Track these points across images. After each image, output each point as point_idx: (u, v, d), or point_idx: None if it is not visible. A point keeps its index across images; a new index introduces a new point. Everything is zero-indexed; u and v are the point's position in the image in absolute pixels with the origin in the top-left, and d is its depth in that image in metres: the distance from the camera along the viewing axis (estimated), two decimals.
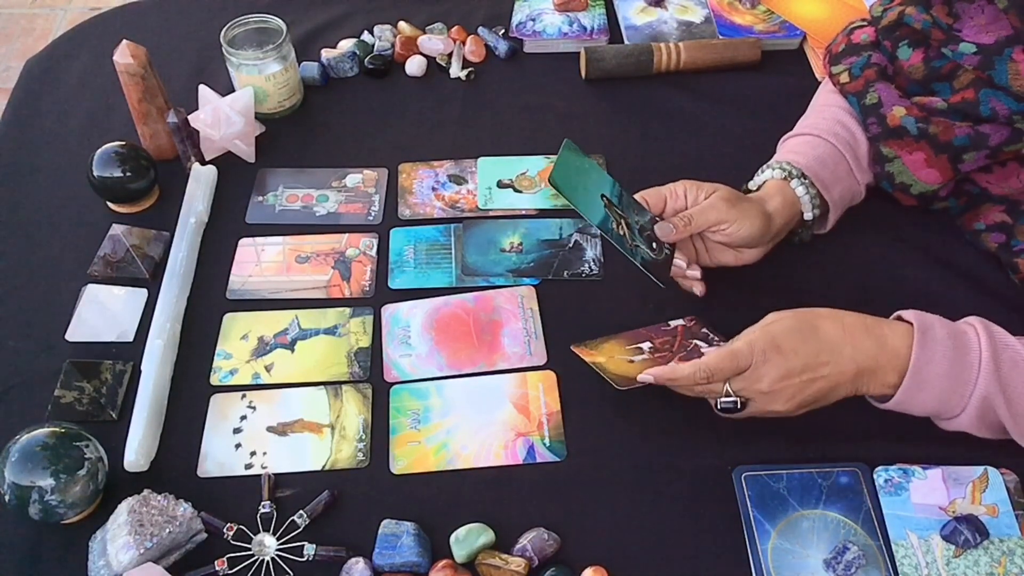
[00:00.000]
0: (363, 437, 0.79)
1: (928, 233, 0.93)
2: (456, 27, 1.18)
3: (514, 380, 0.83)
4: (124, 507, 0.70)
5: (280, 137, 1.06)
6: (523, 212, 0.97)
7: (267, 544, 0.72)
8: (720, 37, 1.15)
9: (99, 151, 0.94)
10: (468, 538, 0.71)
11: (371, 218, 0.97)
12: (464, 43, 1.16)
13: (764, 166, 0.89)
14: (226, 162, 1.02)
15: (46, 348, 0.85)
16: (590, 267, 0.92)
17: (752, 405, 0.74)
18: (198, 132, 1.00)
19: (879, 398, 0.75)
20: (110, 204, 0.97)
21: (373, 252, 0.94)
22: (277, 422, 0.81)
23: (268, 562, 0.71)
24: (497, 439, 0.79)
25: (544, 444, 0.78)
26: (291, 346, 0.86)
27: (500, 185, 1.00)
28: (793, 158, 0.88)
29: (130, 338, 0.86)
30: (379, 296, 0.90)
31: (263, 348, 0.86)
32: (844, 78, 0.92)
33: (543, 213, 0.97)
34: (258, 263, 0.93)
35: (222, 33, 1.03)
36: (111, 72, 0.97)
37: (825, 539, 0.71)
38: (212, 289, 0.91)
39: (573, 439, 0.79)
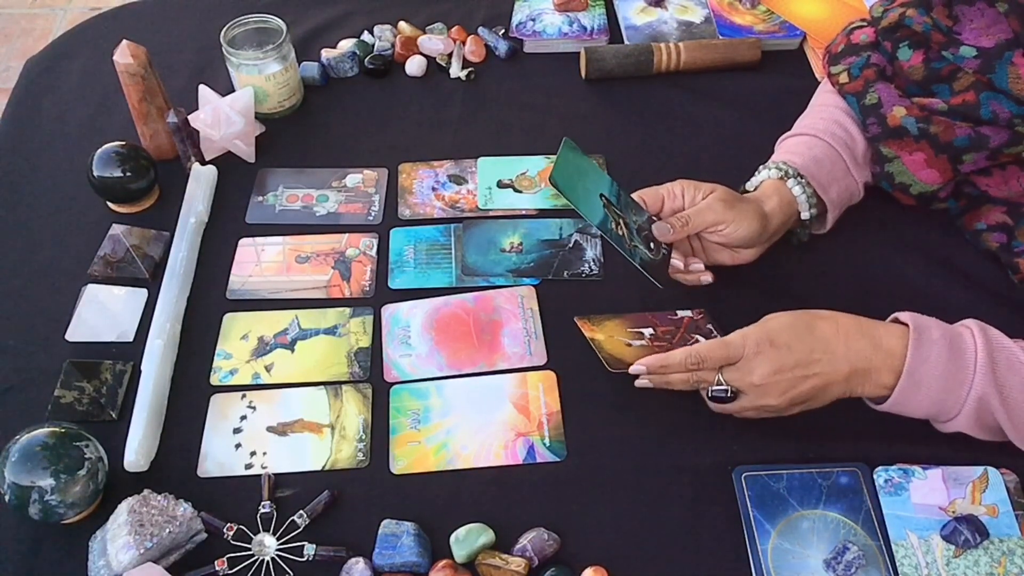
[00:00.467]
0: (363, 437, 0.79)
1: (928, 233, 0.93)
2: (456, 27, 1.18)
3: (514, 380, 0.83)
4: (124, 507, 0.70)
5: (280, 137, 1.06)
6: (523, 212, 0.97)
7: (267, 544, 0.72)
8: (720, 37, 1.15)
9: (99, 151, 0.94)
10: (468, 538, 0.71)
11: (371, 218, 0.98)
12: (464, 43, 1.16)
13: (761, 166, 0.90)
14: (226, 162, 1.02)
15: (46, 348, 0.85)
16: (590, 267, 0.92)
17: (744, 398, 0.74)
18: (198, 132, 1.00)
19: (875, 399, 0.75)
20: (110, 204, 0.97)
21: (373, 252, 0.94)
22: (277, 422, 0.81)
23: (268, 562, 0.71)
24: (497, 439, 0.79)
25: (544, 444, 0.78)
26: (291, 346, 0.86)
27: (500, 185, 1.00)
28: (789, 158, 0.88)
29: (130, 338, 0.86)
30: (379, 296, 0.90)
31: (263, 348, 0.86)
32: (843, 78, 0.92)
33: (543, 213, 0.97)
34: (258, 263, 0.93)
35: (222, 33, 1.03)
36: (111, 72, 0.97)
37: (825, 539, 0.71)
38: (212, 289, 0.91)
39: (573, 439, 0.79)
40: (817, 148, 0.89)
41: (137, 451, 0.75)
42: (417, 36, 1.16)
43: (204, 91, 1.03)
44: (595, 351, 0.79)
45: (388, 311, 0.89)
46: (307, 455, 0.78)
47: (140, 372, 0.82)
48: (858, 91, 0.90)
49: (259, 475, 0.76)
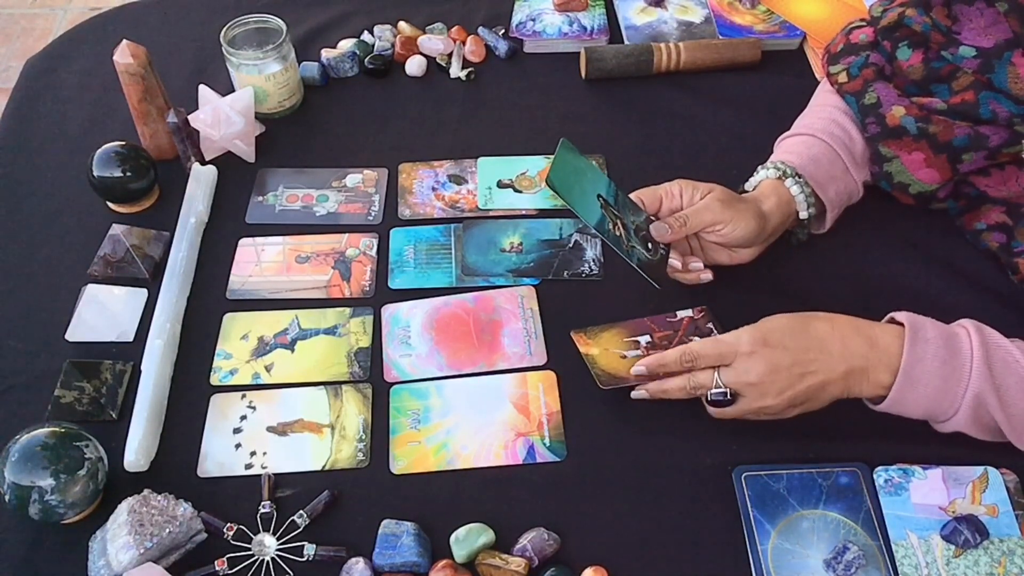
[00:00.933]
0: (363, 437, 0.79)
1: (928, 233, 0.93)
2: (456, 27, 1.18)
3: (514, 380, 0.83)
4: (124, 507, 0.70)
5: (280, 137, 1.06)
6: (523, 212, 0.97)
7: (267, 544, 0.72)
8: (720, 37, 1.15)
9: (99, 151, 0.94)
10: (468, 538, 0.71)
11: (371, 218, 0.98)
12: (464, 43, 1.16)
13: (760, 166, 0.90)
14: (226, 162, 1.02)
15: (46, 348, 0.85)
16: (590, 267, 0.92)
17: (743, 401, 0.74)
18: (198, 132, 1.00)
19: (873, 399, 0.75)
20: (110, 204, 0.97)
21: (373, 252, 0.94)
22: (277, 422, 0.81)
23: (268, 562, 0.71)
24: (497, 439, 0.79)
25: (544, 444, 0.78)
26: (291, 346, 0.86)
27: (500, 185, 1.00)
28: (787, 158, 0.89)
29: (130, 338, 0.86)
30: (379, 296, 0.90)
31: (263, 348, 0.86)
32: (842, 78, 0.92)
33: (543, 213, 0.97)
34: (258, 263, 0.93)
35: (222, 33, 1.03)
36: (111, 72, 0.97)
37: (825, 539, 0.71)
38: (212, 289, 0.91)
39: (573, 439, 0.79)
40: (815, 148, 0.89)
41: (137, 451, 0.75)
42: (417, 36, 1.17)
43: (204, 91, 1.03)
44: (588, 367, 0.80)
45: (388, 311, 0.89)
46: (307, 455, 0.78)
47: (140, 372, 0.82)
48: (857, 91, 0.90)
49: (259, 475, 0.76)
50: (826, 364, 0.72)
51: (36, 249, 0.94)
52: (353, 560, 0.70)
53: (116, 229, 0.94)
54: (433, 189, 1.00)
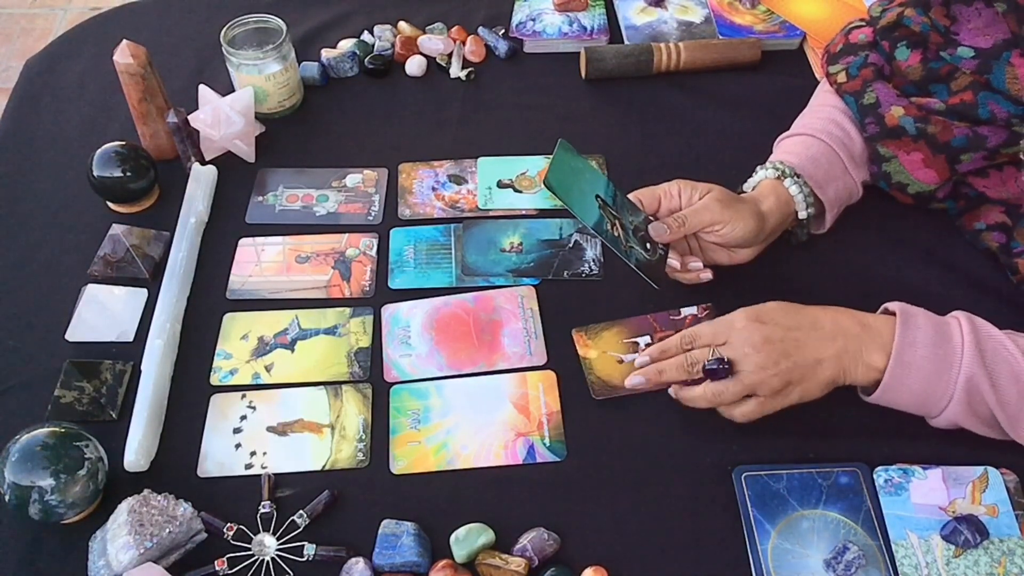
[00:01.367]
0: (363, 437, 0.79)
1: (928, 233, 0.93)
2: (456, 27, 1.18)
3: (514, 380, 0.83)
4: (124, 507, 0.70)
5: (280, 137, 1.06)
6: (523, 212, 0.97)
7: (267, 544, 0.72)
8: (720, 37, 1.15)
9: (99, 151, 0.94)
10: (468, 538, 0.71)
11: (371, 218, 0.98)
12: (464, 43, 1.16)
13: (759, 167, 0.90)
14: (226, 162, 1.02)
15: (46, 348, 0.85)
16: (590, 267, 0.92)
17: (740, 376, 0.73)
18: (198, 132, 1.00)
19: (867, 387, 0.75)
20: (110, 204, 0.97)
21: (373, 252, 0.94)
22: (277, 422, 0.81)
23: (268, 562, 0.71)
24: (497, 439, 0.79)
25: (544, 444, 0.78)
26: (291, 346, 0.86)
27: (500, 185, 1.00)
28: (786, 158, 0.89)
29: (130, 338, 0.86)
30: (379, 296, 0.90)
31: (263, 348, 0.86)
32: (841, 78, 0.92)
33: (543, 213, 0.97)
34: (258, 263, 0.93)
35: (222, 33, 1.03)
36: (111, 72, 0.97)
37: (825, 539, 0.71)
38: (212, 289, 0.91)
39: (573, 439, 0.79)
40: (814, 147, 0.89)
41: (137, 451, 0.75)
42: (417, 36, 1.17)
43: (204, 91, 1.03)
44: (584, 373, 0.81)
45: (388, 311, 0.89)
46: (307, 455, 0.78)
47: (140, 372, 0.82)
48: (856, 90, 0.90)
49: (259, 475, 0.76)
50: (818, 339, 0.74)
51: (36, 249, 0.94)
52: (353, 560, 0.70)
53: (116, 229, 0.94)
54: (433, 189, 1.00)
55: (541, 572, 0.70)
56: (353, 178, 1.02)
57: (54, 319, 0.87)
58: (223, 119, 1.00)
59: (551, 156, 0.80)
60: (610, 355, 0.83)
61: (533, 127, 1.07)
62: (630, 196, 0.84)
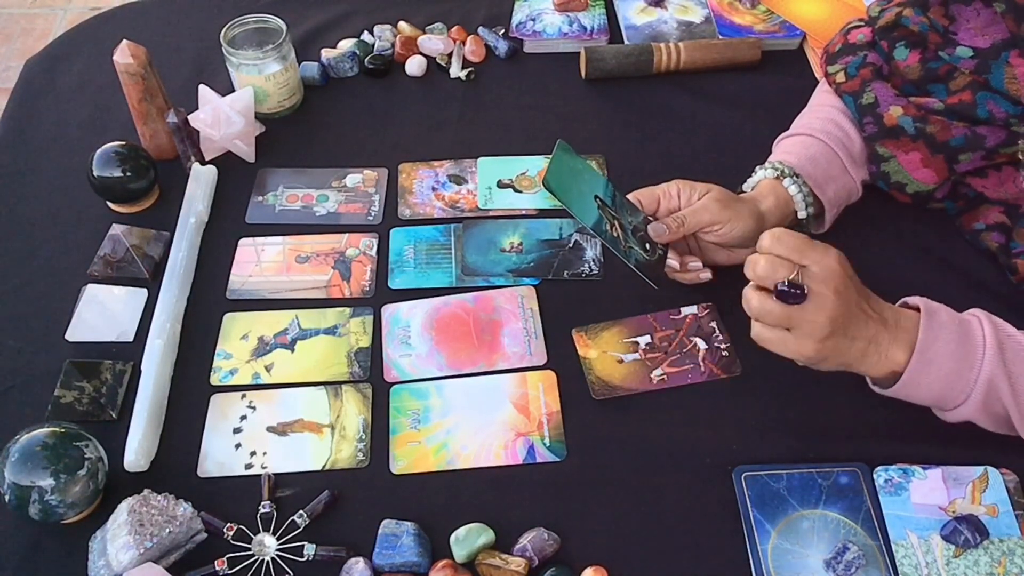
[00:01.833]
0: (363, 437, 0.79)
1: (928, 233, 0.93)
2: (456, 27, 1.18)
3: (514, 380, 0.83)
4: (124, 507, 0.70)
5: (280, 137, 1.06)
6: (523, 212, 0.98)
7: (267, 544, 0.72)
8: (720, 37, 1.15)
9: (99, 151, 0.94)
10: (468, 538, 0.71)
11: (371, 218, 0.98)
12: (464, 43, 1.16)
13: (758, 167, 0.90)
14: (226, 162, 1.02)
15: (46, 348, 0.85)
16: (590, 267, 0.92)
17: (800, 312, 0.69)
18: (198, 132, 1.00)
19: (884, 379, 0.74)
20: (110, 204, 0.97)
21: (373, 252, 0.94)
22: (277, 422, 0.81)
23: (268, 562, 0.71)
24: (497, 439, 0.79)
25: (544, 444, 0.78)
26: (291, 346, 0.86)
27: (500, 185, 1.00)
28: (785, 158, 0.89)
29: (130, 338, 0.86)
30: (379, 296, 0.90)
31: (263, 348, 0.86)
32: (840, 77, 0.92)
33: (543, 213, 0.97)
34: (258, 263, 0.93)
35: (222, 33, 1.03)
36: (111, 72, 0.97)
37: (825, 539, 0.71)
38: (212, 289, 0.91)
39: (573, 439, 0.79)
40: (813, 147, 0.89)
41: (137, 451, 0.75)
42: (417, 36, 1.17)
43: (204, 91, 1.03)
44: (584, 373, 0.81)
45: (388, 311, 0.89)
46: (307, 455, 0.78)
47: (140, 372, 0.82)
48: (855, 90, 0.90)
49: (259, 475, 0.76)
50: (865, 319, 0.70)
51: (36, 249, 0.94)
52: (353, 560, 0.70)
53: (116, 229, 0.94)
54: (433, 189, 1.00)
55: (541, 572, 0.70)
56: (353, 178, 1.02)
57: (54, 319, 0.87)
58: (223, 119, 1.00)
59: (550, 157, 0.80)
60: (610, 355, 0.83)
61: (533, 127, 1.07)
62: (629, 196, 0.84)
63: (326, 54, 1.14)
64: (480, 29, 1.18)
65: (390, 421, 0.80)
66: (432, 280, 0.91)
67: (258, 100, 1.04)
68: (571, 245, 0.94)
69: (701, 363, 0.83)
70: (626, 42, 1.16)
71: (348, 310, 0.89)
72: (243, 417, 0.81)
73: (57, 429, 0.71)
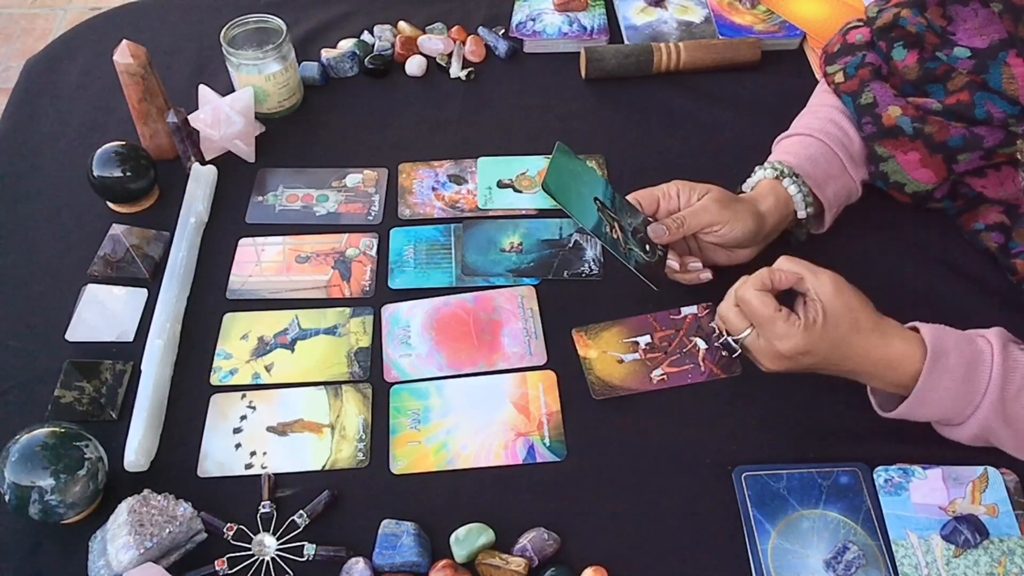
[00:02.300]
0: (363, 437, 0.79)
1: (928, 233, 0.93)
2: (456, 27, 1.18)
3: (514, 380, 0.83)
4: (124, 507, 0.70)
5: (280, 137, 1.06)
6: (523, 212, 0.98)
7: (267, 544, 0.72)
8: (720, 37, 1.15)
9: (99, 151, 0.94)
10: (468, 538, 0.71)
11: (371, 218, 0.98)
12: (464, 43, 1.16)
13: (757, 167, 0.90)
14: (226, 162, 1.02)
15: (46, 348, 0.85)
16: (590, 267, 0.92)
17: (749, 342, 0.74)
18: (198, 132, 1.00)
19: (879, 401, 0.76)
20: (110, 204, 0.97)
21: (373, 252, 0.94)
22: (277, 422, 0.81)
23: (268, 562, 0.71)
24: (497, 439, 0.79)
25: (544, 444, 0.78)
26: (291, 346, 0.86)
27: (500, 185, 1.00)
28: (785, 158, 0.89)
29: (130, 338, 0.86)
30: (379, 296, 0.90)
31: (263, 348, 0.86)
32: (839, 78, 0.92)
33: (543, 213, 0.97)
34: (258, 263, 0.93)
35: (222, 33, 1.03)
36: (111, 72, 0.97)
37: (825, 539, 0.71)
38: (212, 289, 0.91)
39: (573, 439, 0.79)
40: (812, 147, 0.89)
41: (137, 451, 0.75)
42: (417, 36, 1.17)
43: (204, 91, 1.03)
44: (584, 373, 0.81)
45: (388, 311, 0.89)
46: (307, 455, 0.78)
47: (140, 372, 0.82)
48: (854, 91, 0.90)
49: (259, 475, 0.76)
50: (837, 367, 0.73)
51: (36, 249, 0.94)
52: (353, 560, 0.70)
53: (116, 229, 0.94)
54: (433, 189, 1.00)
55: (541, 572, 0.70)
56: (353, 178, 1.02)
57: (54, 319, 0.87)
58: (223, 119, 1.00)
59: (549, 159, 0.80)
60: (610, 355, 0.83)
61: (533, 127, 1.07)
62: (628, 198, 0.84)
63: (326, 54, 1.14)
64: (480, 29, 1.18)
65: (390, 421, 0.80)
66: (432, 280, 0.91)
67: (258, 100, 1.04)
68: (571, 245, 0.94)
69: (701, 363, 0.83)
70: (626, 42, 1.16)
71: (348, 310, 0.89)
72: (243, 417, 0.81)
73: (57, 429, 0.72)
